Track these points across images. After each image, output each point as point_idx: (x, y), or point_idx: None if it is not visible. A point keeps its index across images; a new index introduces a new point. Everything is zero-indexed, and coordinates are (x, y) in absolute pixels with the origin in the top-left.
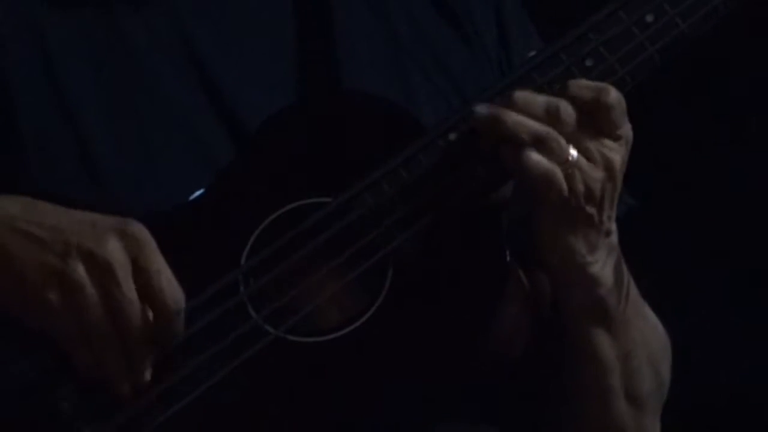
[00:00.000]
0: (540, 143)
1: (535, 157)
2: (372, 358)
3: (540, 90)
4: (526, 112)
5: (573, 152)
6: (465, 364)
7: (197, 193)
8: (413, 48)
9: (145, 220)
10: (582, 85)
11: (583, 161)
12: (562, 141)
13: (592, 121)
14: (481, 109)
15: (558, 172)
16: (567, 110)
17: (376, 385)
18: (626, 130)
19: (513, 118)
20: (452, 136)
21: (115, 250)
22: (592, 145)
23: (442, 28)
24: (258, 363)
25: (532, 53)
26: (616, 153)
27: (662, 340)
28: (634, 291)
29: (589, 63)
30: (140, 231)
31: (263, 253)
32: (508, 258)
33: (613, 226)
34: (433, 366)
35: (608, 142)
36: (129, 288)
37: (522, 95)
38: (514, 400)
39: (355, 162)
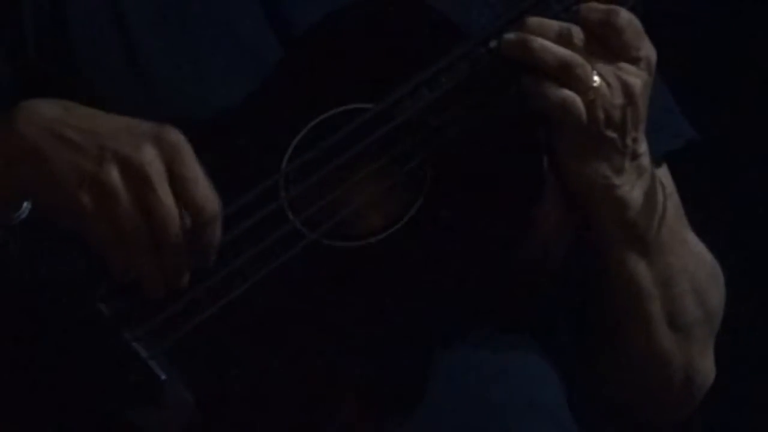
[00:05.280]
0: (566, 69)
1: (553, 87)
2: (408, 263)
3: (556, 17)
4: (540, 36)
5: (596, 78)
6: (505, 270)
7: None
8: None
9: (189, 123)
10: (592, 8)
11: (604, 87)
12: (588, 67)
13: (607, 45)
14: (510, 35)
15: (577, 101)
16: (579, 35)
17: (411, 290)
18: (645, 52)
19: (540, 43)
20: (492, 44)
21: (150, 156)
22: (609, 70)
23: None
24: (295, 267)
25: None
26: (635, 77)
27: (708, 268)
28: (673, 216)
29: None
30: (176, 137)
31: (303, 157)
32: (545, 165)
33: (642, 148)
34: (470, 272)
35: (626, 66)
36: (165, 193)
37: (535, 20)
38: (556, 318)
39: (399, 69)
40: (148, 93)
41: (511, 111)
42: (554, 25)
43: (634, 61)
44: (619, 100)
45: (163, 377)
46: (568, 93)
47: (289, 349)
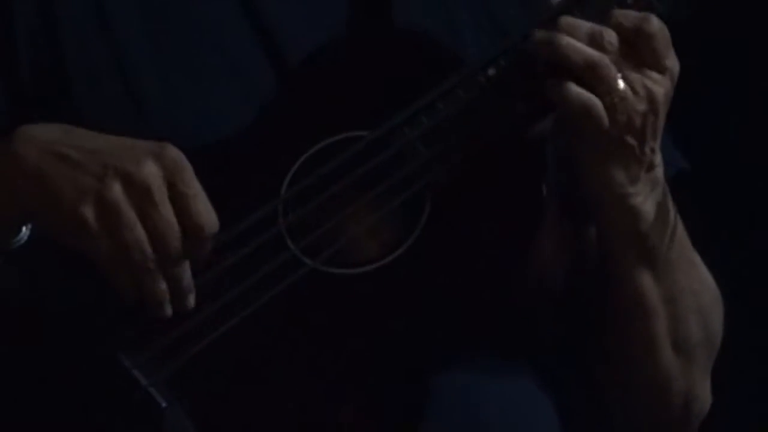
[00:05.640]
0: (591, 69)
1: (575, 88)
2: (407, 290)
3: None
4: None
5: (621, 82)
6: (502, 297)
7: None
8: None
9: (186, 151)
10: (624, 14)
11: (629, 92)
12: (614, 69)
13: (636, 52)
14: (539, 32)
15: (597, 104)
16: (610, 37)
17: (410, 316)
18: (671, 62)
19: (567, 41)
20: (491, 71)
21: (151, 173)
22: (635, 76)
23: None
24: (294, 294)
25: None
26: (660, 85)
27: (712, 292)
28: (682, 235)
29: (630, 1)
30: (177, 155)
31: (301, 184)
32: (544, 192)
33: (657, 160)
34: (468, 298)
35: (652, 74)
36: (166, 210)
37: (567, 20)
38: (555, 343)
39: (397, 98)
40: (145, 122)
41: (509, 138)
42: (586, 26)
43: (661, 69)
44: (642, 106)
45: (164, 405)
46: (589, 96)
47: (288, 375)
